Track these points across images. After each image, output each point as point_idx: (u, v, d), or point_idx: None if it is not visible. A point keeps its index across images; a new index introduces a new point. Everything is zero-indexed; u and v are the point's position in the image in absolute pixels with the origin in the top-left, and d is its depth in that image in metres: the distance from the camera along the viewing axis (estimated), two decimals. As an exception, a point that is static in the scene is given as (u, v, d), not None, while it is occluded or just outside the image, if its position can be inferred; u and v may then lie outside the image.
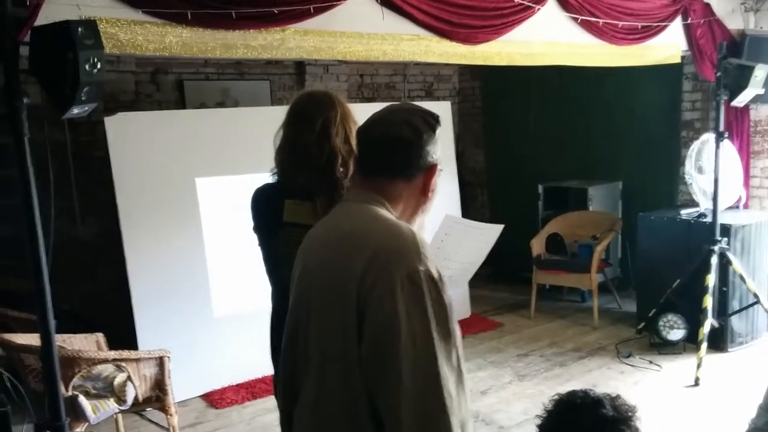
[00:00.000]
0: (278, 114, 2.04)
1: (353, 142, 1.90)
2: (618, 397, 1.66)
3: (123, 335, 3.72)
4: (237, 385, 4.09)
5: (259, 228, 2.02)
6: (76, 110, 2.04)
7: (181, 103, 4.98)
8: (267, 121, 4.27)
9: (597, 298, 4.98)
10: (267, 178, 2.07)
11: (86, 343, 3.31)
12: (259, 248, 2.12)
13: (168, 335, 3.82)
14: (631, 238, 5.37)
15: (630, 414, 1.60)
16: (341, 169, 1.88)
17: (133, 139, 3.81)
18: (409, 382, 1.14)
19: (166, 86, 5.00)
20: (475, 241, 2.22)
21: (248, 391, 4.02)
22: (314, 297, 1.32)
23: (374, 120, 1.38)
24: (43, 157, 2.16)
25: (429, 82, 6.73)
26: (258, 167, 4.14)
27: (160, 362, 3.08)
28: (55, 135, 4.27)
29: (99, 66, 2.00)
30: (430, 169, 1.36)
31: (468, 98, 6.89)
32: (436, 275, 1.21)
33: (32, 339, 3.08)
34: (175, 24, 2.49)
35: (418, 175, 1.35)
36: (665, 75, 5.08)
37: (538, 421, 1.66)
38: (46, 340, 2.11)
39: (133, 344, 3.77)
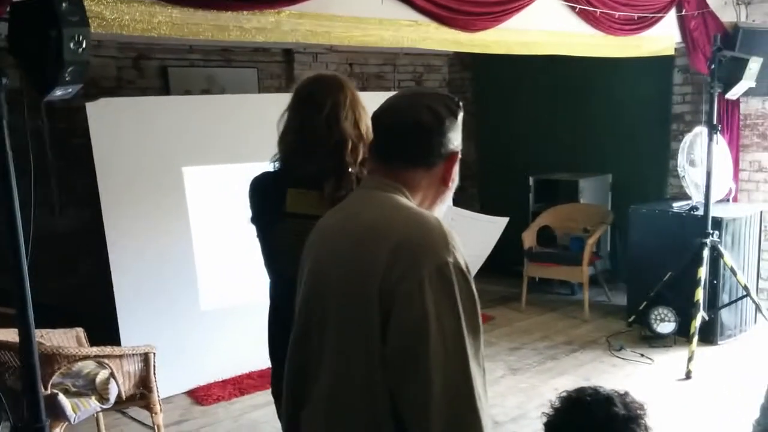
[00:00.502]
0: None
1: (362, 127, 1.81)
2: (627, 394, 1.62)
3: (104, 330, 3.58)
4: (223, 381, 3.97)
5: (257, 219, 1.91)
6: (59, 92, 1.91)
7: (165, 90, 4.82)
8: (256, 110, 4.20)
9: (588, 291, 4.94)
10: (265, 166, 1.96)
11: (66, 339, 3.17)
12: (254, 240, 2.01)
13: (152, 329, 3.70)
14: (621, 231, 5.35)
15: (640, 412, 1.56)
16: (350, 156, 1.77)
17: (117, 126, 3.66)
18: (438, 382, 1.07)
19: (149, 72, 4.84)
20: (480, 234, 2.14)
21: (235, 387, 3.91)
22: (329, 292, 1.22)
23: (392, 104, 1.29)
24: (22, 145, 2.01)
25: (419, 72, 6.63)
26: (248, 156, 4.06)
27: (145, 358, 2.96)
28: (31, 121, 4.10)
29: (84, 44, 1.87)
30: (451, 157, 1.28)
31: (458, 89, 6.80)
32: (464, 267, 1.14)
33: (7, 334, 2.94)
34: (164, 3, 2.35)
35: (438, 163, 1.27)
36: (656, 67, 5.04)
37: (545, 419, 1.60)
38: (26, 338, 1.98)
39: (115, 339, 3.64)
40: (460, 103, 1.32)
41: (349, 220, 1.26)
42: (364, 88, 6.12)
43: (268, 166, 1.94)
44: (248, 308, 4.08)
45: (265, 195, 1.90)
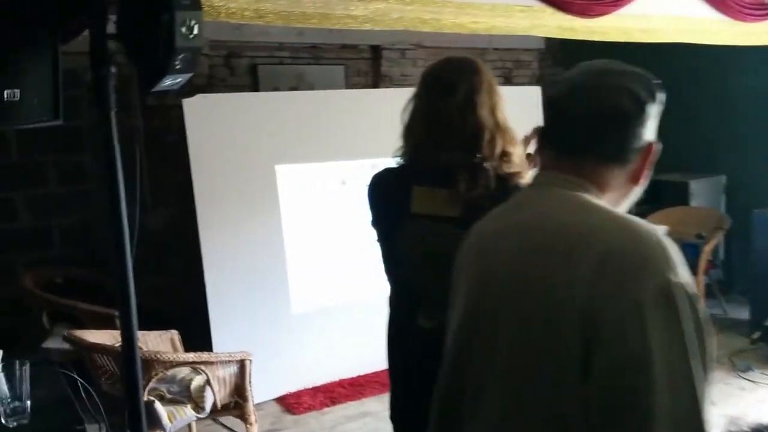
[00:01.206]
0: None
1: (499, 115, 1.58)
2: None
3: (193, 329, 3.48)
4: (313, 389, 3.82)
5: (378, 221, 1.70)
6: (168, 81, 1.76)
7: (254, 88, 4.75)
8: (346, 106, 4.04)
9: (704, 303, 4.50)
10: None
11: (161, 342, 3.09)
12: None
13: (242, 332, 3.60)
14: (737, 238, 4.86)
15: None
16: (487, 148, 1.54)
17: (212, 122, 3.58)
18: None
19: (239, 70, 4.77)
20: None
21: (326, 395, 3.75)
22: (502, 309, 1.00)
23: (578, 85, 1.04)
24: (122, 143, 1.89)
25: (508, 68, 6.32)
26: (339, 155, 3.92)
27: (241, 365, 2.82)
28: (128, 119, 4.10)
29: (196, 30, 1.71)
30: (648, 150, 1.04)
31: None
32: (692, 290, 0.89)
33: (104, 336, 2.88)
34: (271, -10, 2.20)
35: (634, 157, 1.03)
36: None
37: None
38: (129, 347, 1.85)
39: (205, 340, 3.55)
40: (658, 82, 1.07)
41: (527, 223, 1.03)
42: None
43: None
44: (339, 312, 3.94)
45: (386, 194, 1.69)
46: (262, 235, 3.71)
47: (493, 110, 1.56)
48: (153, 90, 1.82)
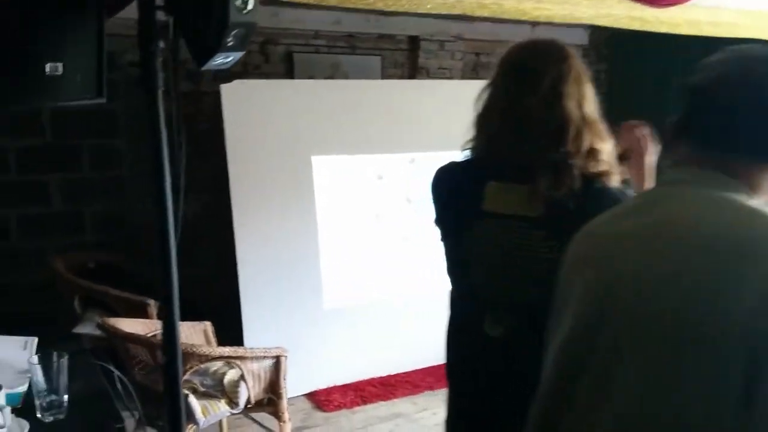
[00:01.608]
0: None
1: (587, 107, 1.43)
2: None
3: (224, 323, 3.40)
4: (343, 386, 3.72)
5: (443, 219, 1.56)
6: (219, 59, 1.64)
7: (289, 76, 4.64)
8: (390, 98, 3.92)
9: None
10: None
11: (194, 333, 3.01)
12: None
13: (273, 325, 3.53)
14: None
15: None
16: (573, 144, 1.40)
17: (249, 109, 3.49)
18: None
19: (274, 58, 4.67)
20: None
21: (356, 393, 3.65)
22: (634, 326, 0.87)
23: (731, 71, 0.91)
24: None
25: (548, 62, 6.15)
26: (378, 147, 3.80)
27: (276, 362, 2.73)
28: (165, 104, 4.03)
29: (251, 5, 1.60)
30: None
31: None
32: None
33: (137, 325, 2.81)
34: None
35: None
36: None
37: None
38: (170, 340, 1.74)
39: (235, 332, 3.47)
40: None
41: (663, 226, 0.90)
42: (490, 80, 5.75)
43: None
44: (371, 310, 3.83)
45: (454, 189, 1.55)
46: (296, 226, 3.62)
47: (580, 102, 1.42)
48: (203, 68, 1.72)
